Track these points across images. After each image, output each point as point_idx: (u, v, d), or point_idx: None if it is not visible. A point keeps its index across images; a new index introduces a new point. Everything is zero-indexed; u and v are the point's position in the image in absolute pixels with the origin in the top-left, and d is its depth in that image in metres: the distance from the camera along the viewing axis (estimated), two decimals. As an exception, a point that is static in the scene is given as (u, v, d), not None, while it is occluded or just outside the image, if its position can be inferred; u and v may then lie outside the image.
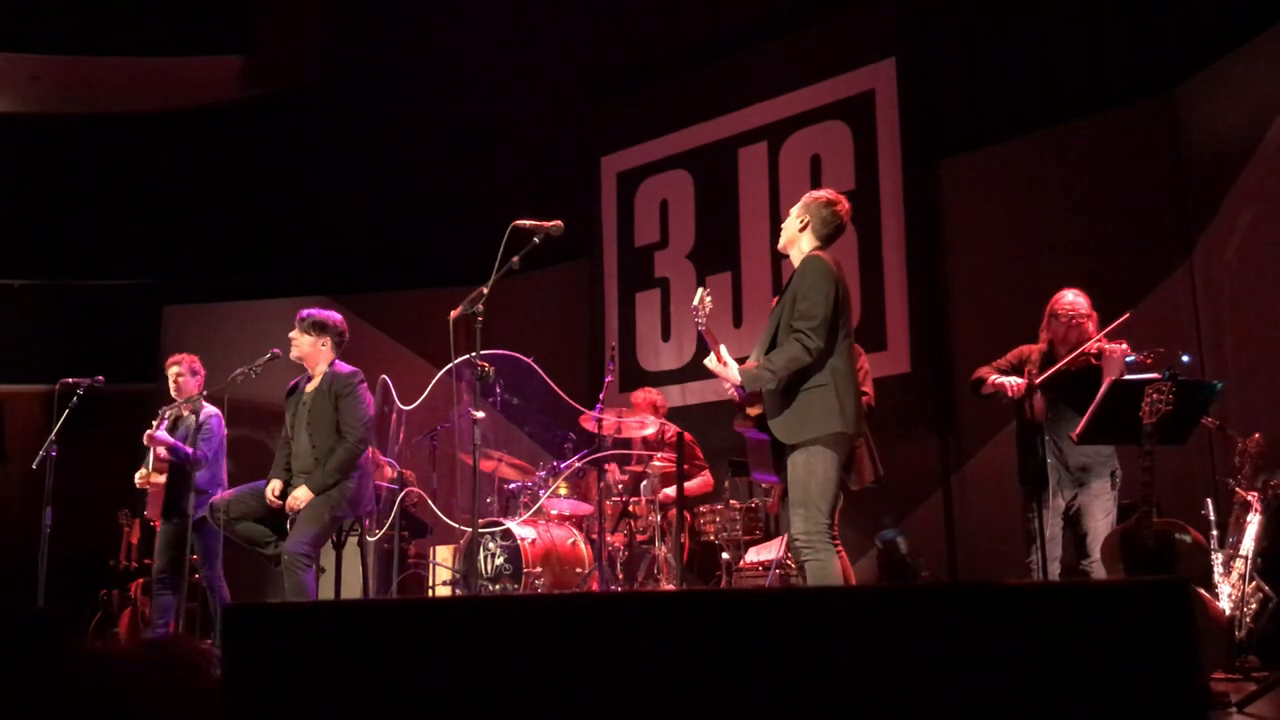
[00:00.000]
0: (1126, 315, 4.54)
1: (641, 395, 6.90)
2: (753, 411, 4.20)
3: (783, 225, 4.30)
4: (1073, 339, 4.71)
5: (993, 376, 4.79)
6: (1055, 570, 4.61)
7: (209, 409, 6.02)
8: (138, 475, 5.99)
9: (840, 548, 4.28)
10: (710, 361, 4.16)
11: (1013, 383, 4.65)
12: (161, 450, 5.90)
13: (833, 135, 7.66)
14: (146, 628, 6.51)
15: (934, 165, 7.27)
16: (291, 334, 5.37)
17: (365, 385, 5.32)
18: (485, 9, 9.28)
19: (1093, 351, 4.56)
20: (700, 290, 4.28)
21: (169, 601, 5.92)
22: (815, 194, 4.25)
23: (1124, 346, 4.49)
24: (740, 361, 4.20)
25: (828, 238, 4.18)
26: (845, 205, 4.22)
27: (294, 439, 5.34)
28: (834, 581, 3.89)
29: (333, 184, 9.82)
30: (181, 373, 6.18)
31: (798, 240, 4.21)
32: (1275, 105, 5.78)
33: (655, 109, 8.65)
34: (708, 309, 4.24)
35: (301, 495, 5.09)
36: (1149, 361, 4.39)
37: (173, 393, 6.15)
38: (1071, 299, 4.79)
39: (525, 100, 9.18)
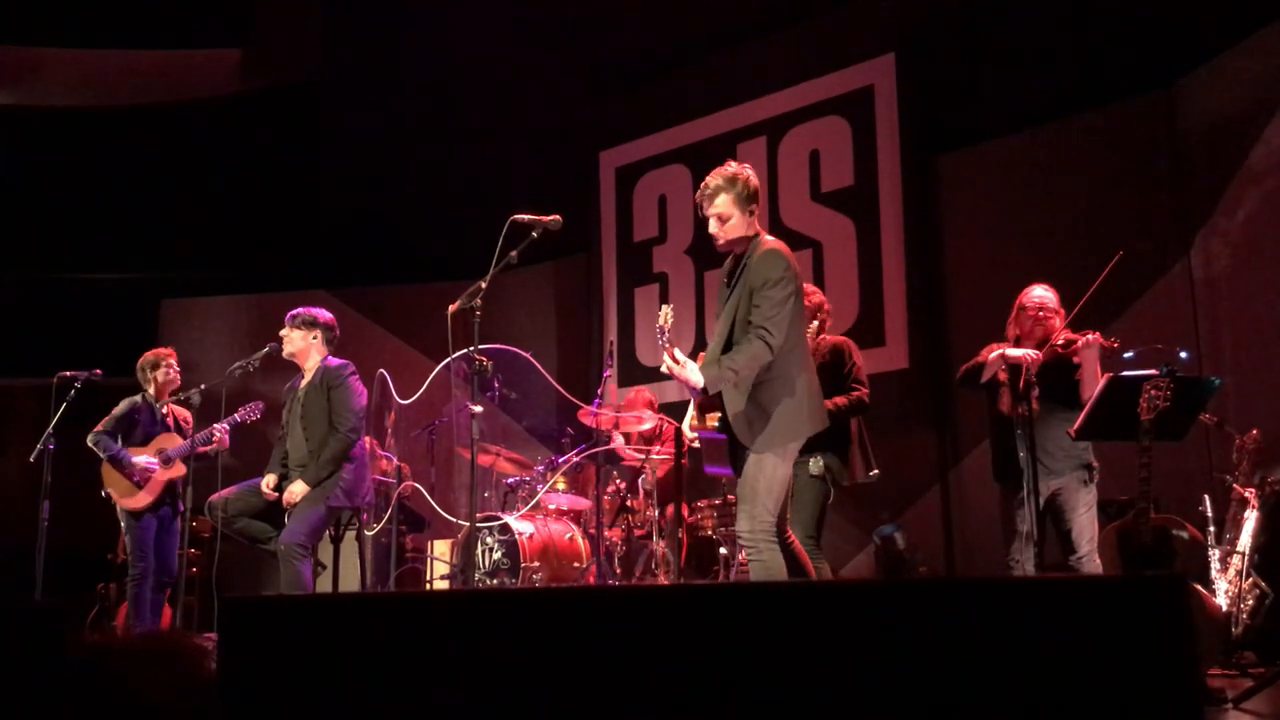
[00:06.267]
0: (1108, 269, 4.50)
1: (634, 393, 6.89)
2: (712, 419, 4.05)
3: (718, 228, 3.93)
4: (1039, 334, 4.66)
5: (996, 354, 4.61)
6: (1031, 566, 4.58)
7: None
8: (147, 461, 6.00)
9: (801, 551, 4.14)
10: (666, 364, 3.89)
11: (1029, 354, 4.47)
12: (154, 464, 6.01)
13: (832, 130, 7.65)
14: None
15: (933, 161, 7.27)
16: (283, 332, 5.42)
17: (356, 377, 5.34)
18: (485, 3, 9.26)
19: (1059, 343, 4.55)
20: (665, 308, 4.00)
21: (160, 597, 6.00)
22: (729, 179, 3.95)
23: (1097, 334, 4.49)
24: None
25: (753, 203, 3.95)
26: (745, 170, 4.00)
27: (289, 434, 5.38)
28: (781, 577, 3.75)
29: (331, 178, 9.81)
30: (174, 365, 6.24)
31: (739, 227, 3.93)
32: (1274, 100, 5.77)
33: (654, 104, 8.64)
34: (669, 326, 3.97)
35: (297, 489, 5.11)
36: (1115, 345, 4.40)
37: (159, 387, 6.14)
38: (1040, 293, 4.75)
39: (524, 95, 9.17)
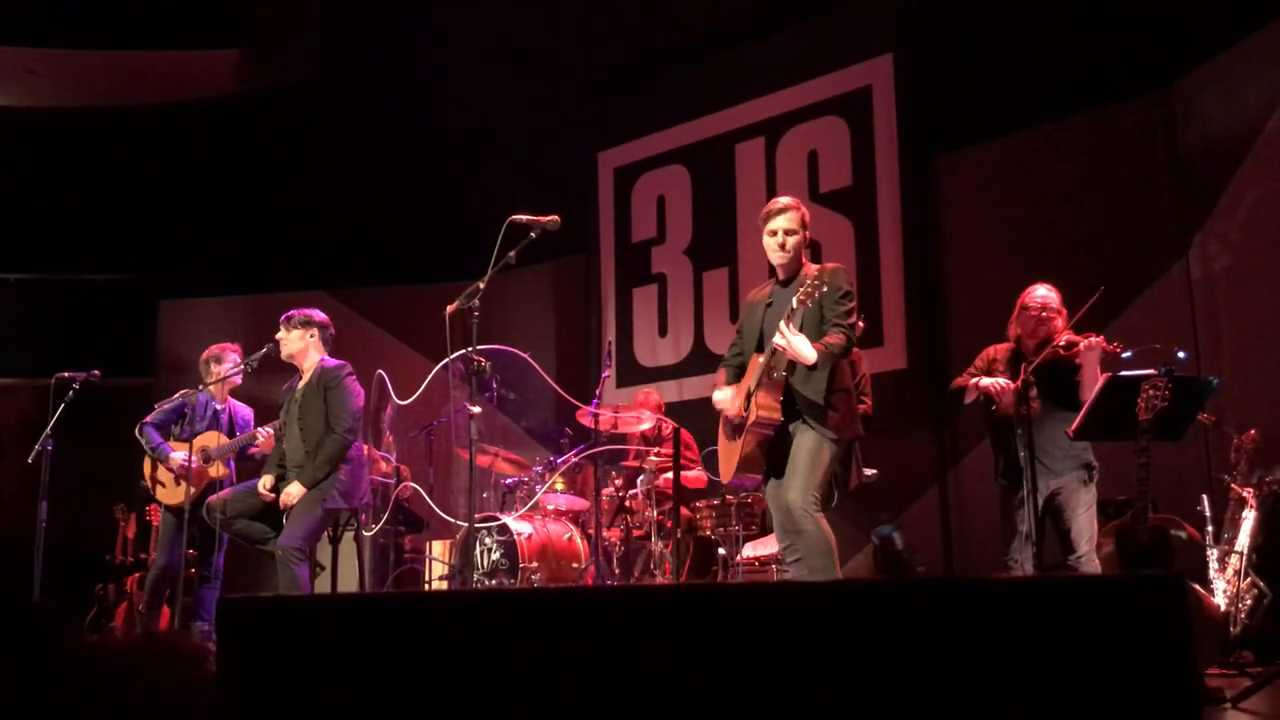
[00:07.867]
0: (1088, 305, 4.52)
1: (642, 395, 6.90)
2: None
3: (786, 239, 4.27)
4: (1041, 334, 4.69)
5: (973, 381, 4.78)
6: (1030, 566, 4.57)
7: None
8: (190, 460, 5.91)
9: None
10: (784, 333, 4.03)
11: (999, 383, 4.64)
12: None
13: (830, 131, 7.66)
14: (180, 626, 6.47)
15: (931, 161, 7.27)
16: (278, 334, 5.40)
17: (354, 377, 5.33)
18: (484, 4, 9.26)
19: (1061, 344, 4.55)
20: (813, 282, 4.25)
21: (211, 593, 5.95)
22: (796, 204, 4.33)
23: (1099, 338, 4.49)
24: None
25: None
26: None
27: (286, 434, 5.38)
28: (833, 543, 4.06)
29: (330, 178, 9.79)
30: (238, 362, 6.11)
31: (801, 246, 4.35)
32: (1272, 102, 5.78)
33: (653, 104, 8.65)
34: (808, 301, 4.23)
35: (294, 490, 5.11)
36: (1118, 349, 4.41)
37: (215, 379, 6.07)
38: (1043, 293, 4.77)
39: (523, 95, 9.17)
